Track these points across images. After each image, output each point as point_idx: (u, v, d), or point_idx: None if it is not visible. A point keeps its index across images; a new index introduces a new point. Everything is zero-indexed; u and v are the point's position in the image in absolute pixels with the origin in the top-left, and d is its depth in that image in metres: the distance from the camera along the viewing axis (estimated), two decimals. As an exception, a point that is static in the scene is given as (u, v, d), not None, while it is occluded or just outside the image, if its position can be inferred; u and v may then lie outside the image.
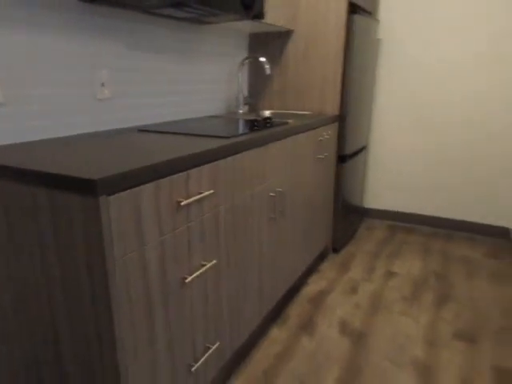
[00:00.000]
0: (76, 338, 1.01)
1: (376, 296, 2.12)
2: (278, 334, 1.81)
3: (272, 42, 2.45)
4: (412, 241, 2.81)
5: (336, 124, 2.37)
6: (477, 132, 2.73)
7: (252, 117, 2.27)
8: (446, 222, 2.96)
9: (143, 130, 1.56)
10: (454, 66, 2.69)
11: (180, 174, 1.08)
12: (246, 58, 2.31)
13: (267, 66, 2.18)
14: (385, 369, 1.60)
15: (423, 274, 2.35)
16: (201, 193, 1.17)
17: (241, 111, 2.34)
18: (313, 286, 2.22)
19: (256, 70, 2.53)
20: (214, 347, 1.35)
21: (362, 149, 2.84)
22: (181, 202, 1.08)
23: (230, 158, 1.30)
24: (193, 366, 1.25)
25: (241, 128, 1.62)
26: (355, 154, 2.65)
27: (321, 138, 2.14)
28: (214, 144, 1.24)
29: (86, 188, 0.85)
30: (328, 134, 2.25)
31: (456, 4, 2.60)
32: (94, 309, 0.95)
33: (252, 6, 1.75)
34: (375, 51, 2.83)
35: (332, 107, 2.37)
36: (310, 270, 2.37)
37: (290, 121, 1.89)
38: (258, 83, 2.55)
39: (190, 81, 2.01)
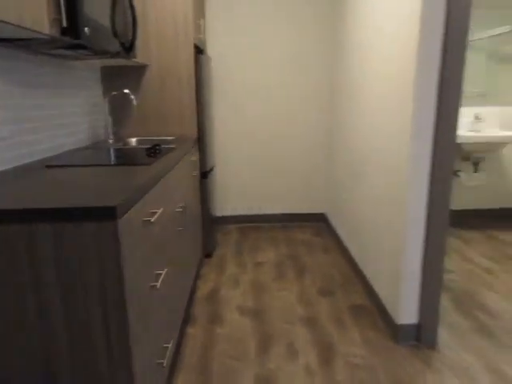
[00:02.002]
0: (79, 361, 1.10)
1: (255, 283, 2.59)
2: (194, 332, 2.07)
3: (127, 75, 2.64)
4: (262, 236, 3.43)
5: (196, 145, 2.75)
6: (294, 144, 3.55)
7: (120, 145, 2.42)
8: (281, 217, 3.70)
9: (51, 165, 1.60)
10: (268, 91, 3.45)
11: (143, 197, 1.28)
12: (113, 91, 2.45)
13: (133, 97, 2.39)
14: (285, 328, 2.07)
15: (280, 258, 2.96)
16: (155, 212, 1.38)
17: (111, 141, 2.46)
18: (203, 289, 2.53)
19: (114, 100, 2.67)
20: (169, 346, 1.54)
21: (213, 166, 3.30)
22: (149, 220, 1.29)
23: (162, 181, 1.54)
24: (162, 362, 1.43)
25: (140, 156, 1.83)
26: (211, 170, 3.08)
27: (193, 158, 2.48)
28: (139, 171, 1.45)
29: (103, 215, 1.01)
30: (195, 154, 2.61)
31: (263, 43, 3.35)
32: (105, 330, 1.08)
33: (131, 48, 1.98)
34: (211, 82, 3.34)
35: (191, 131, 2.74)
36: (196, 276, 2.67)
37: (173, 146, 2.18)
38: (117, 113, 2.70)
39: (60, 115, 2.04)
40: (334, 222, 3.34)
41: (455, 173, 3.63)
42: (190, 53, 2.63)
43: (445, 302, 2.29)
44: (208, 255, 3.00)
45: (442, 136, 1.71)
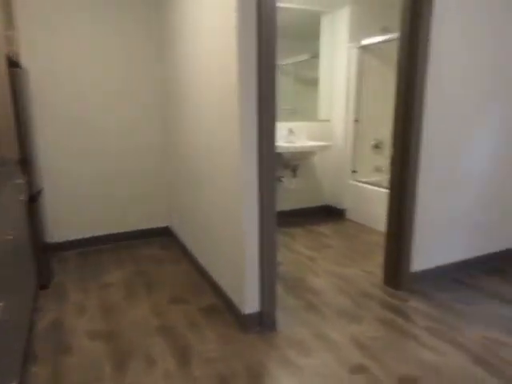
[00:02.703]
0: None
1: (103, 305, 2.50)
2: (38, 370, 1.89)
3: None
4: (106, 258, 3.29)
5: (20, 167, 2.50)
6: (131, 159, 3.54)
7: None
8: (125, 235, 3.62)
9: None
10: (98, 104, 3.37)
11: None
12: None
13: None
14: (141, 342, 2.08)
15: (128, 277, 2.91)
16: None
17: None
18: (44, 322, 2.31)
19: None
20: (13, 385, 1.40)
21: (42, 188, 3.03)
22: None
23: (-11, 206, 1.40)
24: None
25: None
26: (39, 192, 2.83)
27: (18, 182, 2.26)
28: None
29: None
30: (21, 177, 2.38)
31: (88, 57, 3.28)
32: None
33: None
34: (32, 97, 3.07)
35: (10, 151, 2.47)
36: (33, 309, 2.41)
37: (-6, 168, 1.96)
38: None
39: None
40: (180, 233, 3.46)
41: (279, 178, 4.19)
42: (2, 67, 2.39)
43: (280, 289, 2.65)
44: (44, 286, 2.74)
45: (265, 147, 2.02)
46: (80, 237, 3.47)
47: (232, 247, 2.23)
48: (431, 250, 2.73)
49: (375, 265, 3.03)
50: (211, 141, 2.42)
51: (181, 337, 2.13)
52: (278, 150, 3.79)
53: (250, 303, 2.15)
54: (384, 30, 3.83)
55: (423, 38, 2.32)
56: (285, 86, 4.21)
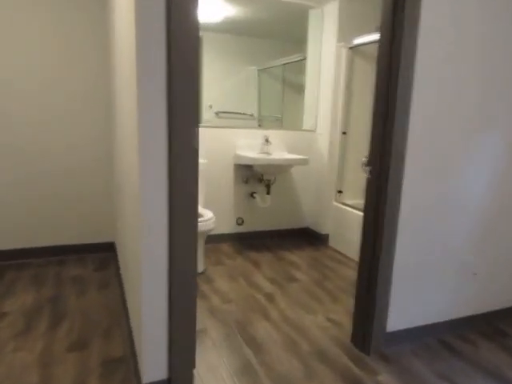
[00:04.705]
0: None
1: (-17, 344, 1.95)
2: None
3: None
4: (23, 276, 2.74)
5: None
6: (73, 166, 3.01)
7: None
8: (57, 250, 3.07)
9: None
10: (33, 102, 2.86)
11: None
12: None
13: None
14: (-5, 413, 1.52)
15: (37, 304, 2.36)
16: None
17: None
18: None
19: None
20: None
21: None
22: None
23: None
24: None
25: None
26: None
27: None
28: None
29: None
30: None
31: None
32: None
33: None
34: None
35: None
36: None
37: None
38: None
39: None
40: (119, 251, 2.90)
41: (252, 195, 3.62)
42: None
43: (215, 337, 2.07)
44: None
45: (178, 171, 1.46)
46: (2, 248, 2.94)
47: (137, 283, 1.66)
48: (413, 304, 2.12)
49: (345, 312, 2.44)
50: (128, 154, 1.86)
51: (53, 407, 1.57)
52: (247, 162, 3.24)
53: (151, 368, 1.57)
54: (378, 30, 3.27)
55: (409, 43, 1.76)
56: (270, 91, 3.68)
